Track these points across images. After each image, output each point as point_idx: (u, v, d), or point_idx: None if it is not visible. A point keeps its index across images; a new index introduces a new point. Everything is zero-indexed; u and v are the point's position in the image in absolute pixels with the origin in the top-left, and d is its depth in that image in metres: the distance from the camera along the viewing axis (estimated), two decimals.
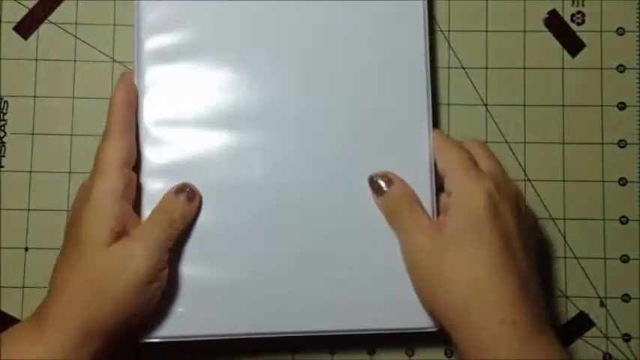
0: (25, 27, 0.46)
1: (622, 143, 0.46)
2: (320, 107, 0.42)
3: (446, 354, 0.45)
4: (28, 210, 0.45)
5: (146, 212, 0.40)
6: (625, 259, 0.46)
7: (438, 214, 0.41)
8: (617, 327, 0.45)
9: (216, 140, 0.42)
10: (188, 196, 0.40)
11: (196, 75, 0.42)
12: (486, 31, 0.47)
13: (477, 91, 0.47)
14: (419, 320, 0.41)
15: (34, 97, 0.46)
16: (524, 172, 0.46)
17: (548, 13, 0.47)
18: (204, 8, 0.43)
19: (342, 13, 0.43)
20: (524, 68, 0.47)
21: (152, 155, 0.41)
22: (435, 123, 0.46)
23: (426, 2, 0.44)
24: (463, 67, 0.47)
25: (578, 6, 0.47)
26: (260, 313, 0.41)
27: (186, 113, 0.42)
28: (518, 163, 0.46)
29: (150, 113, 0.42)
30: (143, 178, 0.41)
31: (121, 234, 0.38)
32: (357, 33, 0.43)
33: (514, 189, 0.40)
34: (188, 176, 0.41)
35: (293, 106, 0.42)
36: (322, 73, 0.43)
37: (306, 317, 0.41)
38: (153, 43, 0.42)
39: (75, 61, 0.46)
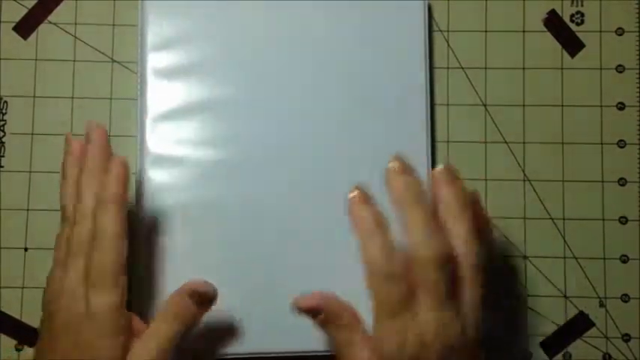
0: (25, 27, 0.46)
1: (622, 143, 0.46)
2: (320, 125, 0.43)
3: None
4: (28, 210, 0.45)
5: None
6: (625, 259, 0.46)
7: None
8: (617, 327, 0.45)
9: (217, 162, 0.42)
10: (201, 300, 0.38)
11: (199, 94, 0.42)
12: (486, 31, 0.47)
13: (476, 91, 0.47)
14: None
15: (34, 97, 0.46)
16: (524, 172, 0.46)
17: (547, 13, 0.47)
18: (207, 28, 0.43)
19: (341, 16, 0.43)
20: (524, 68, 0.47)
21: (153, 174, 0.42)
22: (435, 124, 0.46)
23: (426, 3, 0.44)
24: (462, 67, 0.47)
25: (577, 6, 0.47)
26: (248, 333, 0.41)
27: (188, 134, 0.42)
28: (518, 163, 0.46)
29: (152, 133, 0.42)
30: (144, 201, 0.41)
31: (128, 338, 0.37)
32: (358, 36, 0.43)
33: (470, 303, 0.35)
34: (186, 197, 0.41)
35: (294, 123, 0.43)
36: (324, 79, 0.43)
37: (290, 337, 0.41)
38: (157, 61, 0.42)
39: (75, 61, 0.46)
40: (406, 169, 0.36)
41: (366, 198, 0.37)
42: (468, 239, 0.35)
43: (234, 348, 0.41)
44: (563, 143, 0.46)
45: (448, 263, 0.34)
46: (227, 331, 0.41)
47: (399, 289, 0.34)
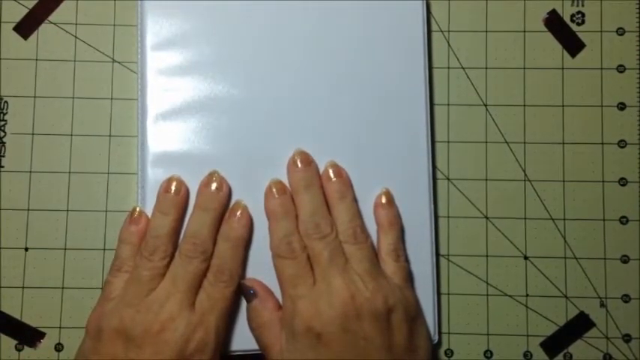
0: (25, 27, 0.46)
1: (622, 143, 0.46)
2: (320, 124, 0.43)
3: (446, 354, 0.45)
4: (28, 210, 0.45)
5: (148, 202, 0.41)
6: (625, 259, 0.46)
7: None
8: (618, 327, 0.45)
9: (218, 161, 0.42)
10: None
11: (199, 94, 0.42)
12: (486, 31, 0.47)
13: (476, 91, 0.47)
14: None
15: (34, 97, 0.46)
16: (524, 172, 0.46)
17: (548, 13, 0.47)
18: (206, 28, 0.43)
19: (340, 16, 0.43)
20: (524, 68, 0.47)
21: (153, 174, 0.42)
22: (435, 124, 0.46)
23: (425, 3, 0.44)
24: (463, 67, 0.47)
25: (578, 6, 0.47)
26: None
27: (188, 133, 0.42)
28: (518, 163, 0.46)
29: (152, 133, 0.42)
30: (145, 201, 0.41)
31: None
32: (357, 35, 0.43)
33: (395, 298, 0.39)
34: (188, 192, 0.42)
35: (293, 123, 0.43)
36: (323, 78, 0.43)
37: None
38: (157, 61, 0.42)
39: (75, 61, 0.46)
40: (304, 160, 0.42)
41: (282, 189, 0.41)
42: (350, 219, 0.40)
43: (241, 345, 0.41)
44: (563, 143, 0.46)
45: (329, 235, 0.39)
46: (234, 328, 0.41)
47: (294, 263, 0.39)
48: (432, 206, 0.43)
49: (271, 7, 0.43)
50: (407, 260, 0.42)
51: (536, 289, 0.45)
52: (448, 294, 0.45)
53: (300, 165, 0.41)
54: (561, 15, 0.47)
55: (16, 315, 0.45)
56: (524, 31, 0.47)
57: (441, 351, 0.45)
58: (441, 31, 0.47)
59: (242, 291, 0.41)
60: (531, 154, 0.46)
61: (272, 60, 0.43)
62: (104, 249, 0.45)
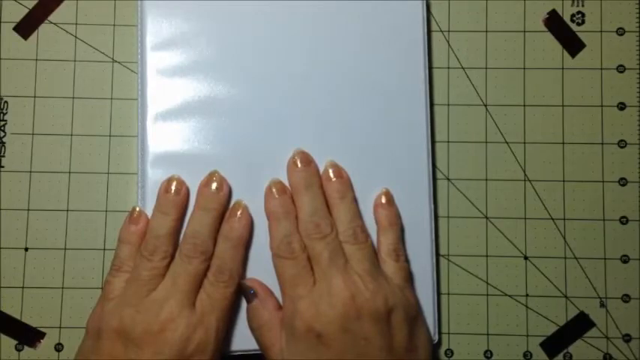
0: (25, 27, 0.46)
1: (622, 143, 0.46)
2: (319, 124, 0.43)
3: (446, 354, 0.45)
4: (28, 210, 0.45)
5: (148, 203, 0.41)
6: (625, 259, 0.46)
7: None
8: (618, 327, 0.45)
9: (217, 161, 0.42)
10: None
11: (199, 94, 0.42)
12: (486, 31, 0.47)
13: (476, 91, 0.47)
14: None
15: (34, 97, 0.46)
16: (524, 172, 0.46)
17: (548, 13, 0.47)
18: (206, 28, 0.43)
19: (340, 16, 0.43)
20: (524, 68, 0.47)
21: (153, 174, 0.42)
22: (435, 124, 0.46)
23: (425, 3, 0.44)
24: (463, 67, 0.47)
25: (578, 6, 0.47)
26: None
27: (188, 133, 0.42)
28: (518, 163, 0.46)
29: (152, 133, 0.42)
30: (145, 191, 0.41)
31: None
32: (357, 35, 0.43)
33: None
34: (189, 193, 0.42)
35: (293, 123, 0.43)
36: (323, 78, 0.43)
37: None
38: (157, 61, 0.42)
39: (75, 61, 0.46)
40: (304, 160, 0.41)
41: (282, 189, 0.41)
42: (350, 219, 0.40)
43: (241, 345, 0.41)
44: (563, 143, 0.46)
45: (329, 235, 0.39)
46: (234, 328, 0.41)
47: (294, 263, 0.39)
48: (432, 206, 0.43)
49: (271, 7, 0.43)
50: (407, 260, 0.42)
51: (536, 289, 0.45)
52: (448, 294, 0.45)
53: (300, 165, 0.41)
54: (561, 15, 0.47)
55: (16, 315, 0.45)
56: (524, 31, 0.47)
57: (441, 351, 0.45)
58: (441, 31, 0.47)
59: (242, 291, 0.41)
60: (531, 154, 0.46)
61: (272, 60, 0.43)
62: (104, 249, 0.45)
